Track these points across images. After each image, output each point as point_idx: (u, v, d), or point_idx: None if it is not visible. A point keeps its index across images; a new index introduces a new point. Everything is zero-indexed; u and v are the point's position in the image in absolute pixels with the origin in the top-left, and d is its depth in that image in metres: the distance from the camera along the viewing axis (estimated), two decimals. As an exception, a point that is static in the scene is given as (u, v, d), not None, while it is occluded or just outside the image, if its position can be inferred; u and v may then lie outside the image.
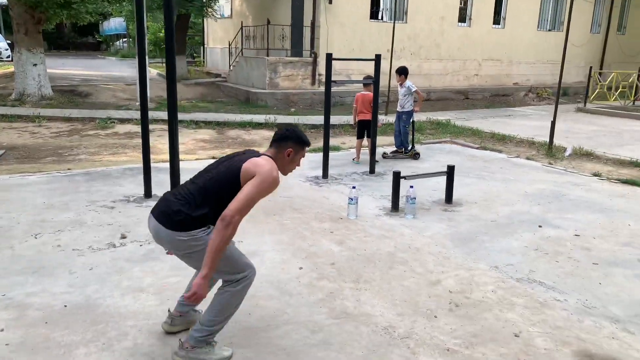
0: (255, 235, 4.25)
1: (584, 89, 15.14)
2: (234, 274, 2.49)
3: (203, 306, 2.60)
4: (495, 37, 16.72)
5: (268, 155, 2.52)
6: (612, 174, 6.84)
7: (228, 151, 7.90)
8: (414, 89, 7.63)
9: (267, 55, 14.15)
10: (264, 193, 2.38)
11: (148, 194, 5.22)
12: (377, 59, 6.20)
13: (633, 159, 7.53)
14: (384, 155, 7.64)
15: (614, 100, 14.68)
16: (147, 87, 4.95)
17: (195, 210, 2.39)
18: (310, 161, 7.08)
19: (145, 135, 5.07)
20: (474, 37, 16.27)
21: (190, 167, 6.61)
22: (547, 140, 8.28)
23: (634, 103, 14.43)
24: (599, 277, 3.65)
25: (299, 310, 3.07)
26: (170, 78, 3.74)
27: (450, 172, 5.32)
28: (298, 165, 2.68)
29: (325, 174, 6.24)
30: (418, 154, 7.61)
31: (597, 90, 15.05)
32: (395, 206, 5.03)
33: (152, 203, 5.02)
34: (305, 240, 4.17)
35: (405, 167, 7.01)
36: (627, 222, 4.85)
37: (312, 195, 5.53)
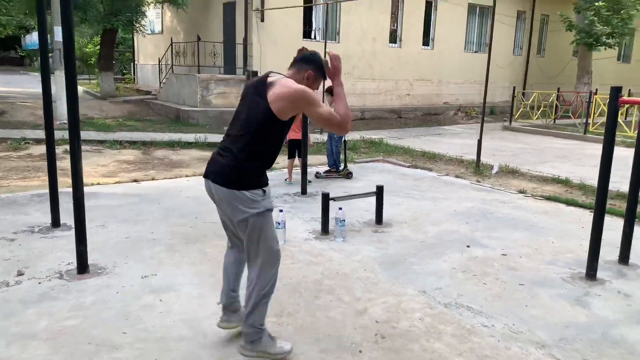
0: (172, 267, 3.92)
1: (510, 107, 15.85)
2: (271, 254, 2.60)
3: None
4: (425, 57, 17.25)
5: (286, 76, 2.55)
6: (537, 191, 7.05)
7: (152, 173, 7.48)
8: (345, 108, 7.59)
9: (199, 72, 13.77)
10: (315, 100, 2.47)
11: (56, 222, 4.75)
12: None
13: (555, 176, 7.83)
14: (317, 175, 7.50)
15: (536, 118, 15.46)
16: (52, 105, 4.53)
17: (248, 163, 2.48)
18: (240, 182, 6.82)
19: (50, 157, 4.62)
20: (405, 57, 16.70)
21: (110, 191, 6.17)
22: (475, 158, 8.47)
23: (554, 122, 15.26)
24: (525, 298, 3.62)
25: (213, 353, 2.79)
26: (71, 93, 3.38)
27: (379, 192, 5.23)
28: (315, 89, 2.63)
29: (253, 196, 5.98)
30: (351, 173, 7.53)
31: (521, 109, 15.81)
32: (324, 229, 4.86)
33: (60, 233, 4.59)
34: (227, 271, 3.89)
35: (338, 186, 6.89)
36: (550, 240, 4.94)
37: (238, 219, 5.26)
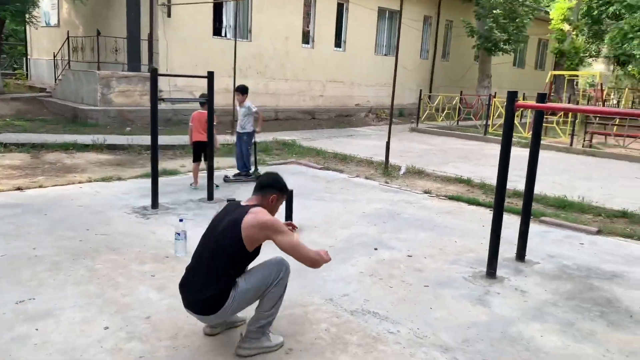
0: (54, 288, 3.49)
1: (417, 109, 16.45)
2: (269, 287, 2.77)
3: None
4: (337, 59, 17.44)
5: (253, 205, 2.84)
6: (441, 191, 7.28)
7: (41, 179, 6.79)
8: (254, 109, 7.38)
9: (99, 69, 12.84)
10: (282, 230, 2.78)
11: None
12: (210, 76, 5.79)
13: (457, 176, 8.16)
14: (226, 179, 7.21)
15: (441, 120, 16.18)
16: None
17: (222, 286, 2.68)
18: (140, 188, 6.38)
19: None
20: (317, 59, 16.76)
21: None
22: (384, 159, 8.61)
23: (457, 123, 16.05)
24: (430, 300, 3.65)
25: (94, 386, 2.48)
26: None
27: (288, 197, 5.08)
28: (277, 211, 2.98)
29: (154, 204, 5.59)
30: (261, 176, 7.31)
31: (427, 112, 16.46)
32: (230, 237, 4.62)
33: None
34: (119, 289, 3.53)
35: (248, 190, 6.61)
36: (453, 239, 5.07)
37: (136, 230, 4.87)
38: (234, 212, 2.81)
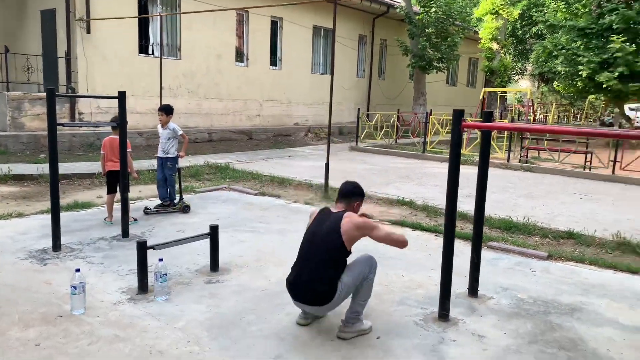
0: None
1: (356, 128, 16.22)
2: (364, 280, 3.32)
3: None
4: (273, 78, 16.96)
5: (343, 211, 3.41)
6: (384, 215, 6.86)
7: None
8: (179, 132, 6.68)
9: (8, 90, 11.61)
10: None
11: None
12: (121, 96, 5.06)
13: (400, 198, 7.79)
14: (146, 211, 6.42)
15: (380, 138, 16.01)
16: None
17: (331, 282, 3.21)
18: (43, 226, 5.52)
19: None
20: (252, 77, 16.19)
21: None
22: (323, 182, 8.12)
23: (396, 141, 15.94)
24: (378, 356, 3.11)
25: None
26: None
27: (213, 233, 4.43)
28: (359, 212, 3.55)
29: (56, 245, 4.75)
30: (188, 206, 6.59)
31: (365, 130, 16.25)
32: (142, 287, 3.89)
33: None
34: (-18, 371, 2.75)
35: (171, 224, 5.93)
36: (400, 272, 4.61)
37: (27, 280, 4.04)
38: (329, 219, 3.36)
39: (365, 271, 3.30)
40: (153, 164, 9.56)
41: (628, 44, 16.10)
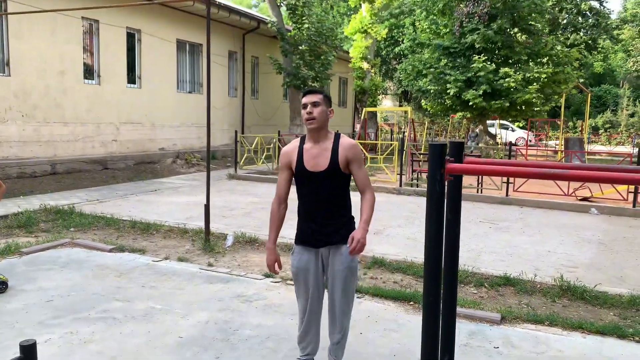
0: None
1: (231, 151, 14.65)
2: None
3: None
4: (132, 97, 14.68)
5: None
6: (285, 268, 5.43)
7: None
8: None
9: None
10: None
11: None
12: None
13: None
14: None
15: (261, 163, 14.61)
16: None
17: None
18: None
19: None
20: (106, 97, 13.78)
21: None
22: (203, 226, 6.47)
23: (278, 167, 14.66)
24: None
25: None
26: None
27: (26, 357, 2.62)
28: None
29: None
30: (4, 283, 4.53)
31: (245, 155, 14.75)
32: None
33: None
34: None
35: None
36: (329, 372, 3.22)
37: None
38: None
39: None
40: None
41: (488, 62, 16.89)
